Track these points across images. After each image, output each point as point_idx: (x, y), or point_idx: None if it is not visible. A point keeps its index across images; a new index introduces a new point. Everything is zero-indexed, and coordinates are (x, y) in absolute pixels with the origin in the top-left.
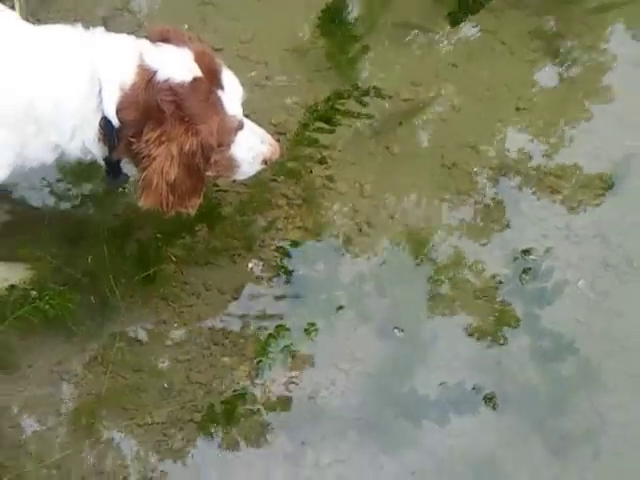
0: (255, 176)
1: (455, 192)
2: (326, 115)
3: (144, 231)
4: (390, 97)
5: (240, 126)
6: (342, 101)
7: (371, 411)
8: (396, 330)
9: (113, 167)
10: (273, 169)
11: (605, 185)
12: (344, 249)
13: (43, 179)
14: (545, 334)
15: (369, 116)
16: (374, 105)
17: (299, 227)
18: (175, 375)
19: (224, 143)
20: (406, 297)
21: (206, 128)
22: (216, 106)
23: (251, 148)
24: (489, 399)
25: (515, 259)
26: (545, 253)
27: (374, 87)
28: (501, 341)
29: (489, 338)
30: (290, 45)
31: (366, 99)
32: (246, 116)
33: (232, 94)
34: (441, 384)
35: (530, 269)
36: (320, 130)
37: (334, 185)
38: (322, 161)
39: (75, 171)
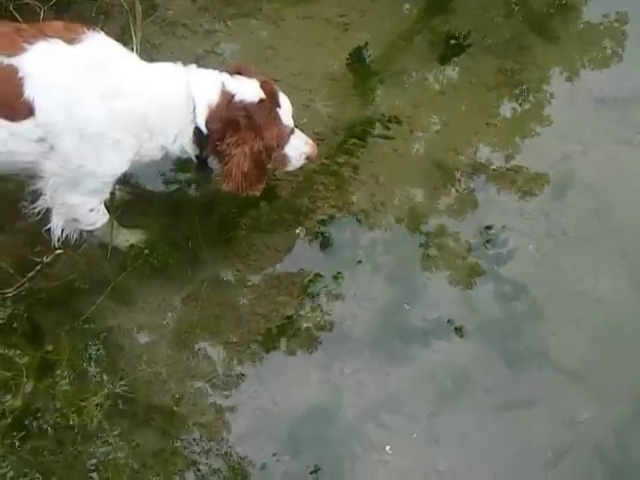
0: (301, 168)
1: (442, 183)
2: (360, 135)
3: (224, 207)
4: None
5: (292, 133)
6: (373, 125)
7: (379, 336)
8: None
9: (202, 163)
10: (317, 167)
11: (546, 178)
12: (363, 221)
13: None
14: (505, 282)
15: (389, 137)
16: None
17: (333, 206)
18: (244, 308)
19: (280, 145)
20: (405, 256)
21: (268, 134)
22: (275, 119)
23: (298, 148)
24: (458, 329)
25: (480, 233)
26: (502, 228)
27: (395, 116)
28: (471, 287)
29: (463, 285)
30: (327, 77)
31: (389, 124)
32: (296, 126)
33: (286, 111)
34: (424, 319)
35: (491, 240)
36: (355, 144)
37: (358, 177)
38: (351, 165)
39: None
